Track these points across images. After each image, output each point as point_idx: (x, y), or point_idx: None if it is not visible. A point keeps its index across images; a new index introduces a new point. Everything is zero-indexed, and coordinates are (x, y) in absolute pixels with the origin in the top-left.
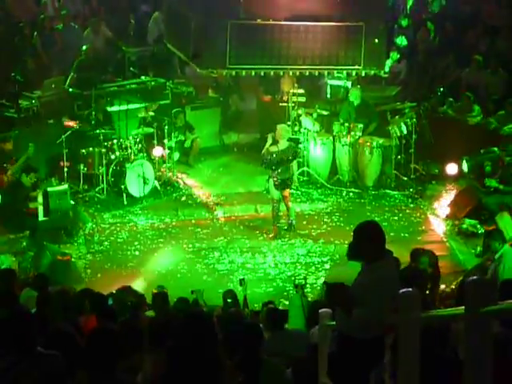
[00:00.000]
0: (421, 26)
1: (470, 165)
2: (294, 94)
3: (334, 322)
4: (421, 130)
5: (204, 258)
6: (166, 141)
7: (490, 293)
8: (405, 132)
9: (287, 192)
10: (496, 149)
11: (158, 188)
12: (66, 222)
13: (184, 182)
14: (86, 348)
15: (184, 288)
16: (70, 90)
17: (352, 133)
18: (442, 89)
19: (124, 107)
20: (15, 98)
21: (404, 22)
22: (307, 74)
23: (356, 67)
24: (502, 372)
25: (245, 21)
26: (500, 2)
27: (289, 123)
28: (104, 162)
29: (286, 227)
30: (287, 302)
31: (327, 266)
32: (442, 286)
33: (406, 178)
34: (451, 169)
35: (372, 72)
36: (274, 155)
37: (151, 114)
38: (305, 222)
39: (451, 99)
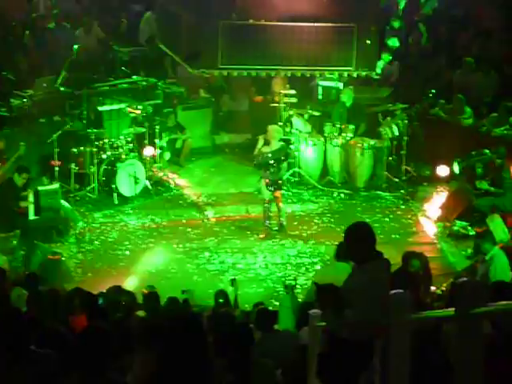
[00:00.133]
0: (413, 27)
1: (462, 167)
2: (285, 95)
3: (324, 323)
4: (412, 131)
5: (194, 258)
6: (157, 141)
7: (480, 294)
8: (396, 133)
9: (278, 193)
10: (487, 151)
11: (149, 188)
12: (57, 221)
13: (175, 182)
14: (77, 347)
15: (174, 288)
16: (62, 89)
17: (343, 134)
18: (433, 91)
19: (115, 107)
20: (7, 97)
21: (396, 24)
22: (299, 74)
23: (348, 68)
24: (492, 373)
25: (237, 21)
26: (492, 4)
27: (280, 124)
28: (95, 161)
29: (276, 228)
30: (277, 303)
31: (318, 267)
32: (433, 288)
33: (397, 180)
34: (442, 171)
35: (364, 73)
36: (266, 156)
37: (137, 112)
38: (295, 223)
39: (443, 101)
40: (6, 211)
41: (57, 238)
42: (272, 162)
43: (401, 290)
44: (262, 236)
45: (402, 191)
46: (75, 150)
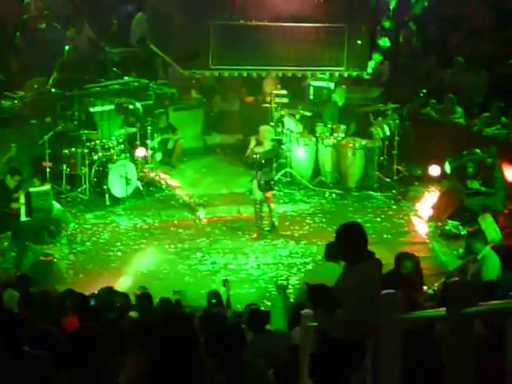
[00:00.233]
0: (403, 27)
1: (453, 166)
2: (276, 95)
3: (316, 323)
4: (404, 131)
5: (186, 258)
6: (148, 141)
7: (472, 294)
8: (387, 133)
9: (270, 193)
10: (478, 150)
11: (141, 189)
12: (49, 222)
13: (166, 183)
14: (68, 348)
15: (166, 289)
16: (53, 90)
17: (335, 134)
18: (424, 90)
19: (107, 108)
20: None
21: (387, 24)
22: (290, 75)
23: (339, 68)
24: (483, 372)
25: (228, 22)
26: (483, 4)
27: (272, 124)
28: (87, 162)
29: (268, 228)
30: (269, 303)
31: (310, 267)
32: (425, 288)
33: (388, 180)
34: (434, 170)
35: (355, 73)
36: (259, 156)
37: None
38: (287, 223)
39: (434, 101)
40: None
41: (48, 239)
42: (264, 162)
43: (392, 290)
44: (253, 236)
45: (393, 191)
46: (67, 151)
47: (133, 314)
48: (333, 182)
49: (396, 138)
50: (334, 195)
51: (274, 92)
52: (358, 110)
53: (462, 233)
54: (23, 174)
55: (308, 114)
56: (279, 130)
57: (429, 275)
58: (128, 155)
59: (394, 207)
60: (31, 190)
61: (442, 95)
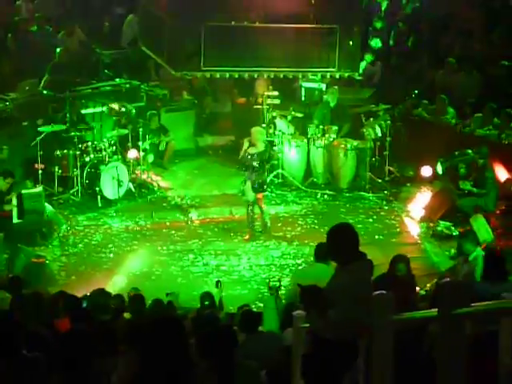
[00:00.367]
0: (395, 28)
1: (445, 167)
2: (268, 97)
3: (308, 324)
4: (395, 132)
5: (178, 260)
6: (140, 143)
7: (463, 295)
8: (379, 134)
9: (261, 195)
10: (470, 151)
11: (133, 190)
12: (41, 224)
13: (158, 185)
14: (59, 349)
15: (158, 290)
16: (45, 92)
17: (326, 135)
18: (416, 91)
19: (98, 109)
20: None
21: (378, 24)
22: (282, 76)
23: (330, 69)
24: (474, 372)
25: (219, 23)
26: (473, 5)
27: (263, 125)
28: (79, 164)
29: (260, 229)
30: (262, 305)
31: (300, 268)
32: (417, 289)
33: (380, 180)
34: (426, 171)
35: (346, 74)
36: (253, 157)
37: (116, 108)
38: (279, 224)
39: (426, 101)
40: None
41: (40, 241)
42: (258, 163)
43: (384, 291)
44: (245, 238)
45: (385, 192)
46: (59, 153)
47: (126, 315)
48: (325, 183)
49: (388, 139)
50: (325, 196)
51: (266, 93)
52: (350, 111)
53: (454, 233)
54: (15, 175)
55: (300, 115)
56: (271, 131)
57: (421, 276)
58: (120, 157)
59: (386, 208)
60: (23, 191)
61: (433, 96)
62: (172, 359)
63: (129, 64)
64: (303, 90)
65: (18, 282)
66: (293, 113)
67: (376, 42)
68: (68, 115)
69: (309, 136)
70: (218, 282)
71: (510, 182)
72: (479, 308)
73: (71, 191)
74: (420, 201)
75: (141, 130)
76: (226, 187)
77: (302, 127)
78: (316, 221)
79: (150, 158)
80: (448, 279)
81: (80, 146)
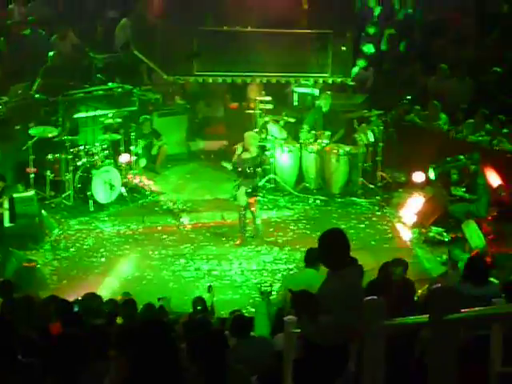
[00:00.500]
0: (388, 34)
1: (437, 173)
2: (261, 102)
3: (300, 330)
4: (388, 137)
5: (170, 264)
6: (132, 147)
7: (454, 301)
8: (372, 140)
9: (253, 199)
10: (462, 157)
11: (125, 195)
12: (32, 228)
13: (150, 189)
14: (51, 353)
15: (150, 295)
16: (37, 96)
17: (319, 140)
18: (408, 97)
19: (91, 114)
20: None
21: (371, 30)
22: (274, 81)
23: (323, 75)
24: (465, 377)
25: (212, 28)
26: (466, 11)
27: (256, 130)
28: (71, 168)
29: (252, 235)
30: (253, 309)
31: (291, 273)
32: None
33: (372, 186)
34: (418, 177)
35: (339, 80)
36: (246, 162)
37: (118, 120)
38: (271, 229)
39: (418, 107)
40: None
41: (32, 245)
42: (252, 168)
43: (374, 297)
44: (237, 243)
45: (377, 197)
46: (51, 156)
47: (118, 319)
48: (317, 189)
49: (380, 145)
50: (317, 201)
51: (258, 98)
52: (342, 117)
53: (446, 239)
54: (7, 179)
55: (292, 120)
56: (263, 136)
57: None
58: (112, 161)
59: (378, 213)
60: (15, 195)
61: (426, 102)
62: (161, 363)
63: (121, 68)
64: (296, 95)
65: (9, 286)
66: (285, 118)
67: (369, 48)
68: (60, 119)
69: (301, 141)
70: (209, 286)
71: (501, 187)
72: (470, 314)
73: (63, 195)
74: (412, 206)
75: (133, 134)
76: (218, 192)
77: (295, 132)
78: (308, 226)
79: (142, 162)
80: (439, 285)
81: (72, 150)
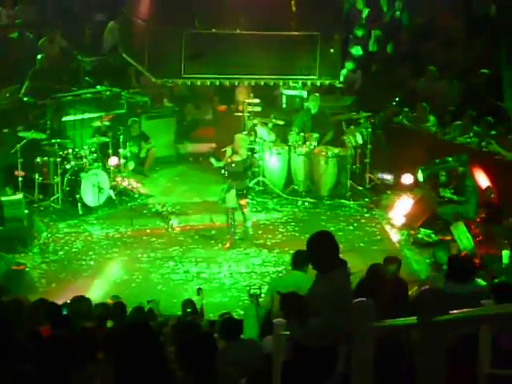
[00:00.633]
0: (376, 36)
1: (426, 175)
2: (249, 104)
3: (289, 332)
4: (376, 139)
5: (159, 267)
6: (121, 150)
7: (442, 302)
8: (360, 142)
9: (244, 201)
10: (451, 159)
11: (113, 197)
12: (21, 231)
13: (139, 192)
14: (39, 356)
15: (139, 297)
16: (25, 99)
17: (307, 143)
18: (397, 99)
19: (79, 117)
20: None
21: (359, 32)
22: (262, 83)
23: (311, 77)
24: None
25: (200, 30)
26: (455, 13)
27: (244, 133)
28: (59, 171)
29: (241, 237)
30: (242, 312)
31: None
32: None
33: (361, 188)
34: (406, 179)
35: (327, 82)
36: (235, 165)
37: (106, 123)
38: (260, 232)
39: (407, 109)
40: None
41: (20, 248)
42: (242, 170)
43: (363, 299)
44: (226, 246)
45: (366, 199)
46: (39, 160)
47: (109, 323)
48: (305, 191)
49: (368, 147)
50: (306, 204)
51: (247, 101)
52: (331, 119)
53: (435, 241)
54: None
55: (280, 122)
56: (252, 138)
57: None
58: (100, 164)
59: (367, 215)
60: (3, 198)
61: (414, 104)
62: (147, 366)
63: (109, 71)
64: (284, 97)
65: None
66: (274, 120)
67: (357, 50)
68: (49, 122)
69: (290, 143)
70: (199, 289)
71: (490, 189)
72: (459, 315)
73: (52, 198)
74: (401, 208)
75: (121, 137)
76: (206, 194)
77: (283, 135)
78: (297, 228)
79: (131, 165)
80: (427, 286)
81: (61, 153)
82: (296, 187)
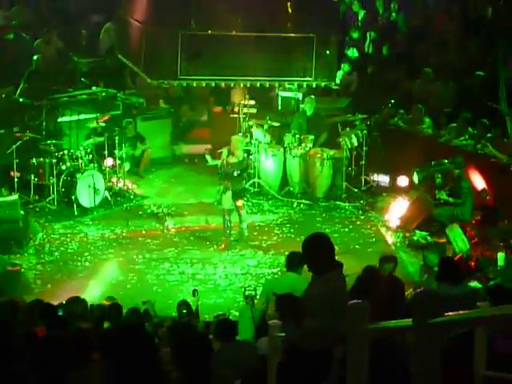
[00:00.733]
0: (371, 38)
1: (421, 177)
2: (245, 106)
3: (284, 334)
4: (372, 141)
5: (154, 268)
6: (116, 151)
7: (438, 304)
8: (356, 144)
9: (240, 202)
10: (446, 161)
11: (109, 198)
12: (16, 232)
13: (134, 193)
14: (35, 357)
15: (134, 299)
16: (21, 100)
17: (303, 144)
18: (392, 101)
19: (75, 118)
20: None
21: (355, 34)
22: (258, 85)
23: (307, 79)
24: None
25: (196, 32)
26: (450, 15)
27: (240, 134)
28: (55, 172)
29: (236, 238)
30: (237, 313)
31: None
32: None
33: (356, 190)
34: (402, 181)
35: (323, 84)
36: (231, 166)
37: (102, 124)
38: (255, 233)
39: (402, 111)
40: None
41: (16, 249)
42: (238, 172)
43: (358, 301)
44: (221, 247)
45: (361, 201)
46: (35, 161)
47: (106, 324)
48: (301, 193)
49: (364, 149)
50: (302, 205)
51: (242, 102)
52: (326, 121)
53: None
54: None
55: (276, 124)
56: (247, 140)
57: None
58: (96, 165)
59: (362, 217)
60: None
61: (410, 105)
62: (140, 366)
63: (105, 72)
64: (280, 99)
65: None
66: (269, 122)
67: (353, 52)
68: (44, 123)
69: (285, 145)
70: (194, 290)
71: (485, 191)
72: (455, 317)
73: (47, 199)
74: (396, 210)
75: (117, 138)
76: (202, 196)
77: (279, 136)
78: (292, 230)
79: (126, 166)
80: (423, 289)
81: (56, 154)
82: (291, 189)
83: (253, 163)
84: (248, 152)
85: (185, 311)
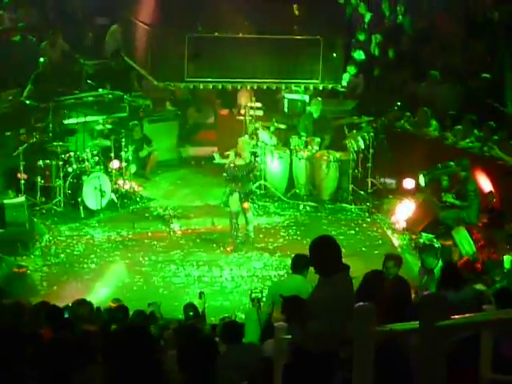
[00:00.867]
0: (378, 40)
1: (427, 179)
2: (251, 108)
3: (290, 336)
4: (378, 144)
5: (160, 271)
6: (123, 153)
7: (444, 307)
8: (362, 146)
9: (247, 204)
10: (453, 163)
11: (115, 201)
12: (23, 234)
13: (141, 195)
14: (39, 359)
15: (140, 301)
16: (27, 102)
17: (309, 147)
18: (399, 103)
19: (81, 120)
20: None
21: (361, 37)
22: (265, 87)
23: (314, 81)
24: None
25: (202, 34)
26: (455, 18)
27: (246, 136)
28: (61, 174)
29: (242, 241)
30: (244, 316)
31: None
32: None
33: (362, 192)
34: (408, 183)
35: (329, 86)
36: (238, 168)
37: (108, 126)
38: (262, 236)
39: (408, 114)
40: None
41: (22, 251)
42: (245, 174)
43: (365, 303)
44: (228, 249)
45: (367, 204)
46: (41, 163)
47: (113, 326)
48: (307, 195)
49: (370, 151)
50: (308, 208)
51: (249, 104)
52: (333, 123)
53: (437, 246)
54: None
55: (282, 126)
56: (254, 142)
57: None
58: (102, 167)
59: (368, 220)
60: (5, 201)
61: (416, 108)
62: (142, 369)
63: (112, 74)
64: (286, 101)
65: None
66: (276, 124)
67: (359, 54)
68: (51, 125)
69: (291, 147)
70: (201, 293)
71: (492, 194)
72: (461, 320)
73: (53, 201)
74: (402, 213)
75: (123, 140)
76: (208, 198)
77: (285, 138)
78: (298, 232)
79: (133, 168)
80: (429, 291)
81: (63, 156)
82: (297, 191)
83: (259, 165)
84: (254, 154)
85: (191, 313)
